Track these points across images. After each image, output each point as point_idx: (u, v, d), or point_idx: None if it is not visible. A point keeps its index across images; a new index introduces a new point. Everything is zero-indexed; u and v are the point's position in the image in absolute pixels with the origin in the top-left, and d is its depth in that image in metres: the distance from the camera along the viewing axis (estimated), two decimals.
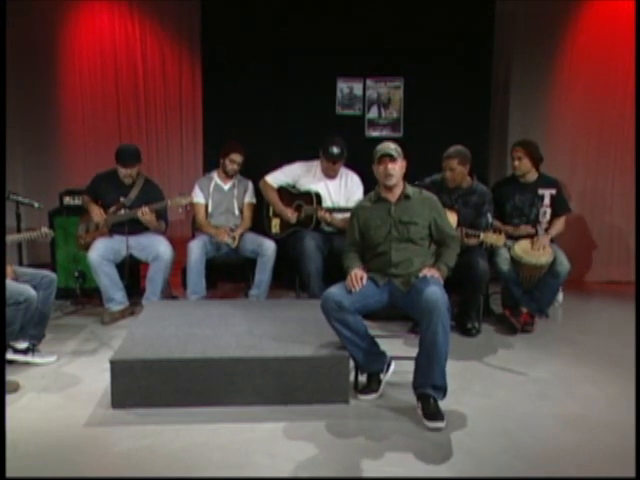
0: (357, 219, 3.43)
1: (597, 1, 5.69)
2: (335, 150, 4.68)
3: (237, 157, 4.84)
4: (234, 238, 4.70)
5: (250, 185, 5.00)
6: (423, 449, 2.77)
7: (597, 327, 4.58)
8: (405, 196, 3.34)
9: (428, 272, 3.22)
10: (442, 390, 3.06)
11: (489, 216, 4.32)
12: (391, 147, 3.30)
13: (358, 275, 3.23)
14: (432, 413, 2.97)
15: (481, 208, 4.32)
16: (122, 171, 4.62)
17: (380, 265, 3.32)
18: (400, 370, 3.36)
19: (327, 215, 4.64)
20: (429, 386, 3.03)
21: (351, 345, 3.22)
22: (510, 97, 5.96)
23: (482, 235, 4.14)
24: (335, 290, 3.19)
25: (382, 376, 3.32)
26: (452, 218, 4.09)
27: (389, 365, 3.35)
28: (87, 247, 4.56)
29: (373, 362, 3.31)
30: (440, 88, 5.39)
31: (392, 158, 3.26)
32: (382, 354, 3.35)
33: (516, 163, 4.57)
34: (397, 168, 3.29)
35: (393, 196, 3.35)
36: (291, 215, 4.79)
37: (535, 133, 5.37)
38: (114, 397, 3.15)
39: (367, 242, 3.39)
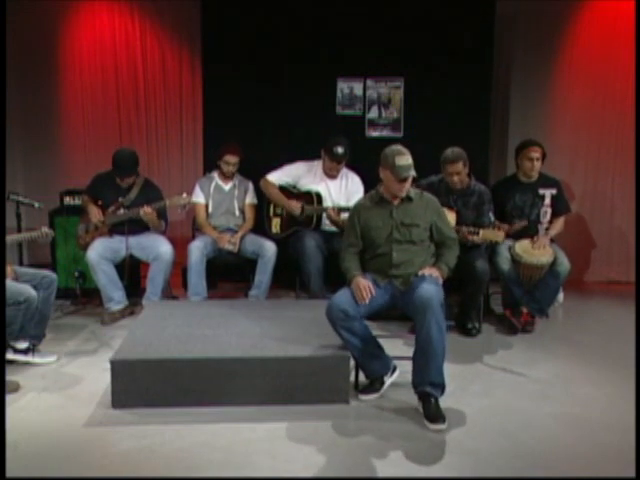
0: (358, 219, 3.40)
1: (597, 1, 5.69)
2: (340, 150, 4.67)
3: (231, 158, 4.83)
4: (235, 244, 4.70)
5: (251, 186, 5.00)
6: (423, 449, 2.77)
7: (597, 327, 4.57)
8: (407, 198, 3.32)
9: (427, 271, 3.23)
10: (440, 387, 3.07)
11: (490, 215, 4.32)
12: (409, 163, 3.20)
13: (365, 286, 3.17)
14: (433, 415, 2.98)
15: (481, 208, 4.32)
16: (119, 180, 4.63)
17: (380, 266, 3.32)
18: (400, 370, 3.37)
19: (335, 214, 4.57)
20: (427, 384, 3.04)
21: (357, 351, 3.22)
22: (510, 97, 5.95)
23: (481, 232, 4.15)
24: (340, 298, 3.17)
25: (386, 378, 3.32)
26: (451, 217, 4.09)
27: (394, 370, 3.35)
28: (87, 247, 4.55)
29: (378, 366, 3.31)
30: (440, 88, 5.39)
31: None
32: (387, 358, 3.36)
33: (536, 164, 4.54)
34: (410, 183, 3.27)
35: (395, 198, 3.33)
36: (295, 207, 4.75)
37: (535, 133, 5.36)
38: (114, 397, 3.15)
39: (367, 242, 3.37)
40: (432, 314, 2.98)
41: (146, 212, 4.49)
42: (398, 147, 3.27)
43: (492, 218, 4.32)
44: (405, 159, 3.20)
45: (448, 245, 3.40)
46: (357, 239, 3.40)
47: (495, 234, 4.14)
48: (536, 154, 4.54)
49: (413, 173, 3.22)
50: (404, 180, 3.20)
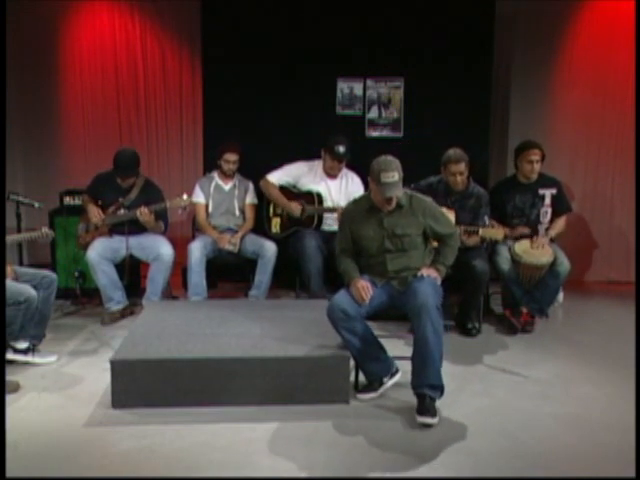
0: (348, 226, 3.35)
1: (597, 1, 5.69)
2: (341, 149, 4.69)
3: (231, 156, 4.83)
4: (235, 244, 4.70)
5: (251, 186, 5.00)
6: (423, 449, 2.77)
7: (597, 327, 4.57)
8: (397, 206, 3.23)
9: (425, 272, 3.22)
10: (439, 389, 3.06)
11: (486, 218, 4.31)
12: (395, 180, 3.10)
13: (364, 286, 3.17)
14: (424, 409, 2.97)
15: (478, 211, 4.32)
16: (119, 180, 4.62)
17: (376, 272, 3.30)
18: (401, 370, 3.36)
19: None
20: (426, 386, 3.03)
21: (357, 351, 3.22)
22: (510, 97, 5.95)
23: (481, 231, 4.14)
24: (340, 298, 3.17)
25: (385, 380, 3.31)
26: (450, 217, 4.08)
27: (395, 373, 3.34)
28: (87, 247, 4.55)
29: (377, 368, 3.30)
30: (440, 88, 5.38)
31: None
32: (389, 361, 3.35)
33: (535, 166, 4.53)
34: (396, 200, 3.20)
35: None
36: (295, 208, 4.77)
37: (535, 133, 5.36)
38: (114, 397, 3.15)
39: (360, 250, 3.34)
40: (427, 316, 2.97)
41: (142, 213, 4.46)
42: (387, 161, 3.14)
43: (487, 222, 4.30)
44: (391, 176, 3.08)
45: (447, 242, 3.36)
46: (349, 244, 3.36)
47: (495, 232, 4.14)
48: (536, 157, 4.53)
49: (399, 193, 3.16)
50: (389, 199, 3.17)
